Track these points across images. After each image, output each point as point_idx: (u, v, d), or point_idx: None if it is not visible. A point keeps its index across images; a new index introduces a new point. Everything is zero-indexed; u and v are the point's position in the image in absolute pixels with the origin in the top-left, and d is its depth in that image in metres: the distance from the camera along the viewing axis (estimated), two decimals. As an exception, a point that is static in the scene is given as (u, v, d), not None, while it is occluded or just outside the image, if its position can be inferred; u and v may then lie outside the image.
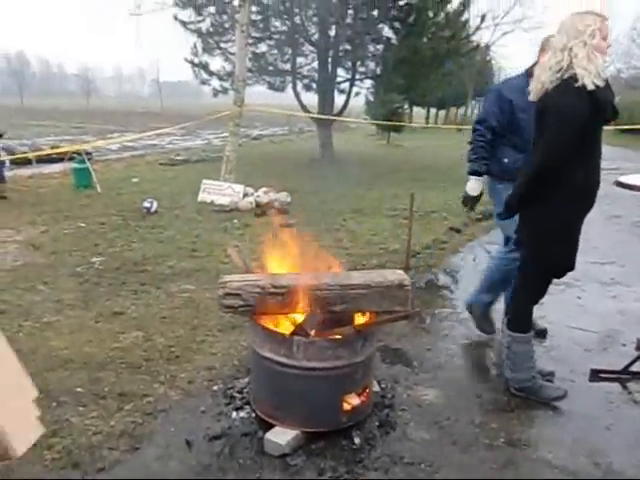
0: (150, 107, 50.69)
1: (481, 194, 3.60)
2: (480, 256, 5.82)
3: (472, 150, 3.45)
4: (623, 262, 5.67)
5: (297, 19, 13.74)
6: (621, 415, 2.88)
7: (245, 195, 8.36)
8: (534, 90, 2.66)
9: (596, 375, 3.16)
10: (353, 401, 2.54)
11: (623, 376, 3.17)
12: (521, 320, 2.94)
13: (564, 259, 2.78)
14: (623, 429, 2.76)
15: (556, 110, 2.52)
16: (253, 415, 2.71)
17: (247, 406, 2.79)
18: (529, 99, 2.70)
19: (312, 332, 2.47)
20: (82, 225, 6.83)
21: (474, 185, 3.54)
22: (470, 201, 3.64)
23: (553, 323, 3.95)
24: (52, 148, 13.12)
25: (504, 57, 52.61)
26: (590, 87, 2.45)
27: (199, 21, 13.94)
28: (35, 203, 8.19)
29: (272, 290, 2.49)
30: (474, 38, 17.80)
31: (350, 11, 13.17)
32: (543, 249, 2.77)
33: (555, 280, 2.96)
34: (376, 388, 2.93)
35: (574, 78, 2.48)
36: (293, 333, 2.49)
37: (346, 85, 15.06)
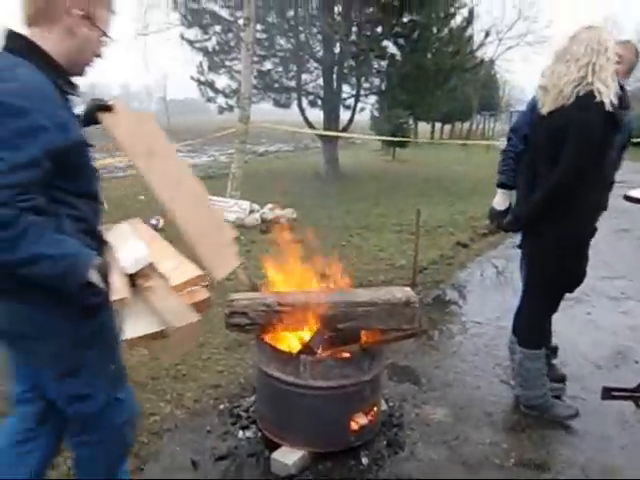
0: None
1: (509, 208, 3.16)
2: (487, 271, 5.78)
3: (502, 160, 3.11)
4: (632, 277, 5.61)
5: (302, 37, 13.87)
6: (636, 435, 2.83)
7: (251, 211, 8.36)
8: (548, 101, 2.59)
9: (608, 393, 3.09)
10: (361, 420, 2.51)
11: (636, 394, 3.11)
12: (533, 337, 2.91)
13: (577, 274, 2.77)
14: (638, 449, 2.70)
15: (580, 127, 2.48)
16: (259, 434, 2.68)
17: (253, 425, 2.76)
18: (541, 111, 2.63)
19: (319, 350, 2.44)
20: None
21: (500, 199, 3.12)
22: (496, 217, 3.16)
23: (563, 339, 3.89)
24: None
25: (509, 71, 52.78)
26: (608, 106, 2.44)
27: (205, 40, 14.08)
28: None
29: (278, 308, 2.47)
30: (478, 53, 17.92)
31: (354, 28, 13.27)
32: (557, 266, 2.74)
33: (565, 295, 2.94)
34: (384, 407, 2.89)
35: (592, 94, 2.46)
36: (300, 352, 2.46)
37: (351, 101, 15.14)
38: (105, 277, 1.55)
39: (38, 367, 1.76)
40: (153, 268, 1.66)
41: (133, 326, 1.63)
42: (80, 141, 1.61)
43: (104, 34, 1.67)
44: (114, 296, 1.56)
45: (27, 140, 1.40)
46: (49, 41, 1.56)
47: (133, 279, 1.66)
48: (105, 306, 1.69)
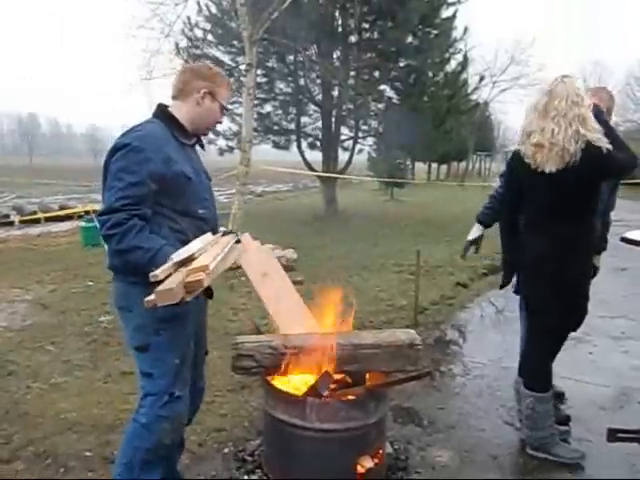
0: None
1: (477, 239, 3.51)
2: (488, 311, 5.80)
3: (488, 202, 3.48)
4: (633, 316, 5.64)
5: (301, 81, 14.23)
6: (642, 477, 2.81)
7: (252, 252, 8.40)
8: (552, 159, 2.62)
9: (614, 435, 3.07)
10: (367, 464, 2.49)
11: (641, 435, 3.10)
12: (542, 380, 2.93)
13: (579, 313, 2.83)
14: (645, 492, 2.68)
15: (605, 158, 2.57)
16: (265, 478, 2.66)
17: (259, 470, 2.74)
18: (543, 170, 2.66)
19: (325, 393, 2.45)
20: (90, 284, 6.87)
21: (473, 230, 3.52)
22: (466, 245, 3.55)
23: (566, 380, 3.89)
24: (61, 208, 13.36)
25: (503, 112, 53.80)
26: (605, 149, 2.55)
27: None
28: (44, 262, 8.27)
29: (285, 351, 2.50)
30: (473, 96, 18.37)
31: (352, 72, 13.63)
32: (569, 307, 2.81)
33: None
34: (389, 449, 2.88)
35: (591, 144, 2.56)
36: (306, 394, 2.47)
37: (349, 143, 15.44)
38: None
39: (129, 339, 2.23)
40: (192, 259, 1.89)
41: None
42: (180, 173, 2.13)
43: (223, 107, 2.33)
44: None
45: (140, 167, 2.01)
46: (182, 109, 2.26)
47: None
48: (185, 303, 1.92)
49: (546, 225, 2.76)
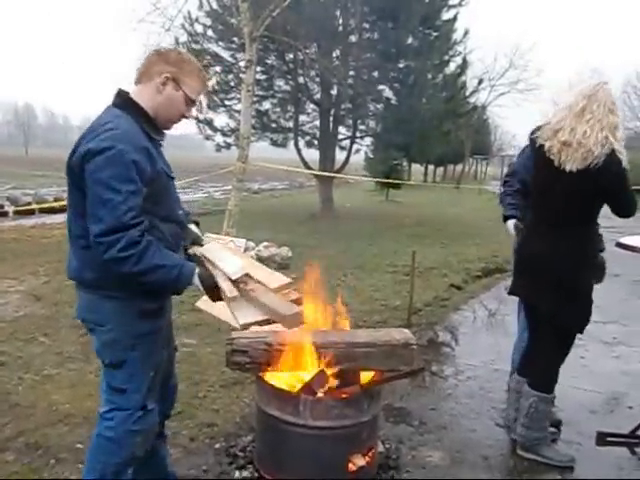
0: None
1: (520, 229, 3.36)
2: (481, 314, 5.82)
3: (501, 200, 3.50)
4: (625, 321, 5.67)
5: (300, 79, 14.22)
6: (631, 481, 2.83)
7: (246, 249, 8.37)
8: (576, 158, 2.65)
9: (603, 439, 3.11)
10: (359, 462, 2.50)
11: (631, 440, 3.13)
12: (551, 381, 2.98)
13: (588, 316, 2.88)
14: (633, 496, 2.71)
15: (618, 175, 2.65)
16: (256, 475, 2.66)
17: (250, 465, 2.74)
18: (564, 167, 2.68)
19: (320, 391, 2.45)
20: (84, 276, 6.84)
21: (509, 228, 3.40)
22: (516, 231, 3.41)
23: (558, 384, 3.91)
24: (56, 200, 13.30)
25: (500, 116, 53.90)
26: (625, 164, 2.63)
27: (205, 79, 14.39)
28: (38, 253, 8.23)
29: (279, 347, 2.50)
30: (471, 99, 18.40)
31: (352, 72, 13.63)
32: (584, 309, 2.85)
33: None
34: (380, 448, 2.89)
35: (614, 153, 2.61)
36: (300, 391, 2.48)
37: (347, 142, 15.44)
38: (203, 283, 1.94)
39: (98, 353, 2.06)
40: (250, 276, 2.02)
41: (244, 316, 1.97)
42: (162, 172, 1.98)
43: (188, 98, 2.02)
44: (227, 294, 1.92)
45: (131, 173, 1.81)
46: (143, 96, 1.99)
47: (236, 284, 1.98)
48: (161, 316, 2.02)
49: (558, 227, 2.80)
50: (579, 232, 2.79)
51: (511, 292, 3.17)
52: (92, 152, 1.80)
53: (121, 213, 1.77)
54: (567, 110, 2.71)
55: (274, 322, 2.01)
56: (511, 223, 3.36)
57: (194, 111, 2.28)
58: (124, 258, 1.78)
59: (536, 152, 2.87)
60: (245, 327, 2.00)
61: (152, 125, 2.00)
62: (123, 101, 1.98)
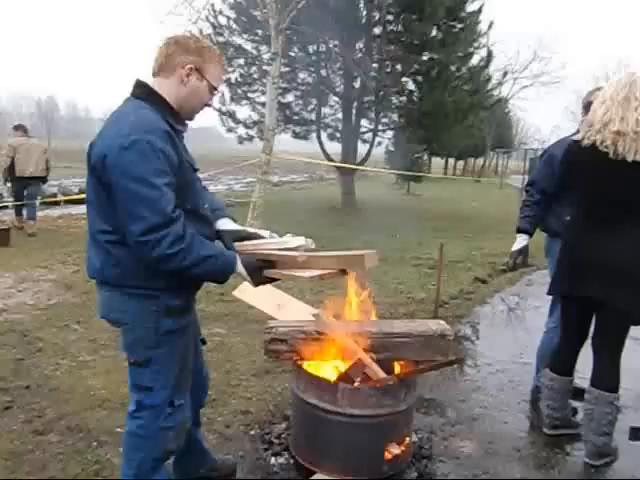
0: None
1: (523, 250, 3.48)
2: (507, 307, 5.81)
3: (520, 210, 3.49)
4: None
5: (323, 71, 14.20)
6: (666, 476, 2.82)
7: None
8: (636, 149, 2.59)
9: (636, 434, 3.10)
10: (394, 450, 2.53)
11: (665, 435, 3.11)
12: (619, 379, 2.93)
13: None
14: (669, 490, 2.70)
15: None
16: (292, 461, 2.71)
17: (285, 452, 2.79)
18: (624, 158, 2.61)
19: (358, 380, 2.48)
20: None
21: (518, 240, 3.46)
22: (514, 254, 3.51)
23: (587, 379, 3.90)
24: (80, 191, 13.48)
25: (522, 109, 53.27)
26: None
27: (228, 72, 14.46)
28: (66, 243, 8.38)
29: (317, 336, 2.54)
30: (495, 92, 18.21)
31: (375, 64, 13.58)
32: None
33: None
34: (413, 438, 2.91)
35: None
36: (338, 380, 2.51)
37: (369, 135, 15.40)
38: (247, 267, 1.98)
39: (125, 349, 2.03)
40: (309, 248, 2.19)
41: (313, 273, 2.14)
42: (187, 163, 1.93)
43: (212, 86, 1.98)
44: (298, 259, 2.10)
45: (163, 164, 1.76)
46: (164, 88, 1.93)
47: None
48: (187, 313, 2.03)
49: (624, 223, 2.71)
50: None
51: (562, 293, 3.06)
52: (120, 148, 1.73)
53: (162, 208, 1.72)
54: (609, 101, 2.66)
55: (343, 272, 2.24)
56: (519, 241, 3.43)
57: (215, 100, 2.29)
58: (173, 254, 1.74)
59: (582, 152, 2.77)
60: (321, 278, 2.15)
61: (175, 116, 1.94)
62: (144, 92, 1.92)
